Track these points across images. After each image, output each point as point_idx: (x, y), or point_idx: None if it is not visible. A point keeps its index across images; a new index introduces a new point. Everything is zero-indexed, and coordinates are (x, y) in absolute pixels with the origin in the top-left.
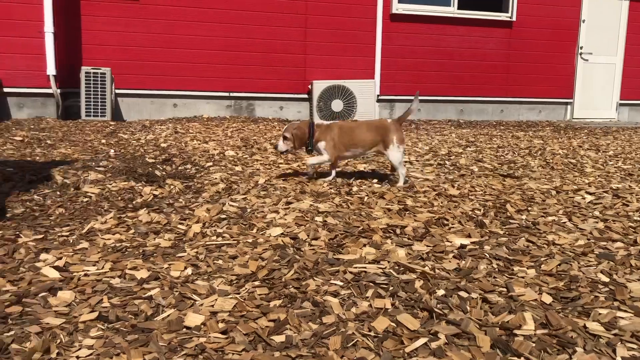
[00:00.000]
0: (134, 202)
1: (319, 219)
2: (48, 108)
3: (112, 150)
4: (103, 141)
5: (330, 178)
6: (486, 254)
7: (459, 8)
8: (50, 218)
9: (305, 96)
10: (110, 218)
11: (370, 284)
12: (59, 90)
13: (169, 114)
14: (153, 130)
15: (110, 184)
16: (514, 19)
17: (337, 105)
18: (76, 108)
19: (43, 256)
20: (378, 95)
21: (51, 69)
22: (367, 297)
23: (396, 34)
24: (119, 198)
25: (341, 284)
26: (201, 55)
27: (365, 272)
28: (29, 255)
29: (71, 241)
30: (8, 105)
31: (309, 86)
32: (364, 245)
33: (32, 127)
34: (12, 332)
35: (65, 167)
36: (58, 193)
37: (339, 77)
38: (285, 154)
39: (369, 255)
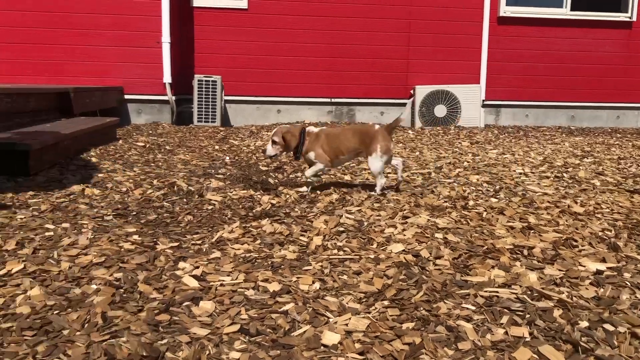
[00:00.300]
0: (254, 211)
1: (439, 235)
2: (163, 114)
3: (227, 157)
4: (217, 147)
5: (305, 189)
6: (627, 282)
7: (572, 9)
8: (180, 225)
9: (407, 101)
10: (237, 227)
11: (505, 310)
12: (173, 97)
13: (273, 119)
14: (260, 137)
15: (231, 192)
16: (634, 19)
17: (440, 110)
18: (188, 114)
19: (181, 264)
20: (483, 100)
21: (167, 77)
22: (502, 324)
23: (503, 37)
24: (240, 206)
25: (473, 308)
26: (304, 62)
27: (497, 296)
28: (168, 263)
29: (204, 250)
30: (128, 111)
31: (411, 91)
32: (492, 267)
33: (150, 132)
34: (165, 341)
35: (187, 174)
36: (184, 200)
37: (442, 82)
38: (273, 159)
39: (499, 279)
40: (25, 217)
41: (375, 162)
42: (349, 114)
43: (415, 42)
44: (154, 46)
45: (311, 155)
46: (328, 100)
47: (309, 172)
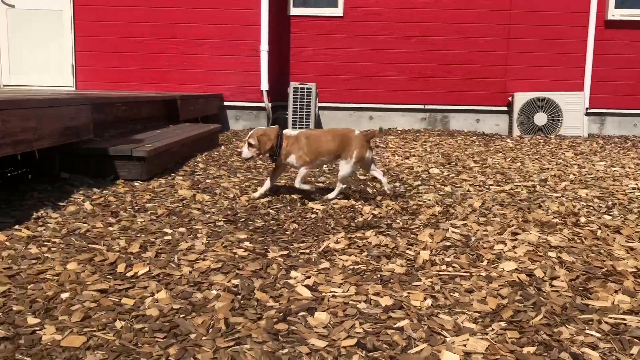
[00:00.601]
0: (356, 221)
1: (552, 254)
2: (260, 120)
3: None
4: None
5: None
6: None
7: None
8: (287, 233)
9: (504, 109)
10: (342, 238)
11: (635, 340)
12: (270, 104)
13: (365, 126)
14: None
15: (332, 201)
16: None
17: (540, 118)
18: (282, 120)
19: (293, 273)
20: (587, 108)
21: (264, 85)
22: (632, 355)
23: (611, 42)
24: (342, 216)
25: (598, 335)
26: (398, 69)
27: (624, 324)
28: (281, 271)
29: (313, 260)
30: (227, 117)
31: (509, 98)
32: (615, 291)
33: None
34: (285, 350)
35: (288, 181)
36: (288, 208)
37: (542, 88)
38: (249, 160)
39: (623, 304)
40: (144, 221)
41: (346, 167)
42: (442, 121)
43: (514, 48)
44: (252, 55)
45: (291, 159)
46: (421, 106)
47: (297, 181)
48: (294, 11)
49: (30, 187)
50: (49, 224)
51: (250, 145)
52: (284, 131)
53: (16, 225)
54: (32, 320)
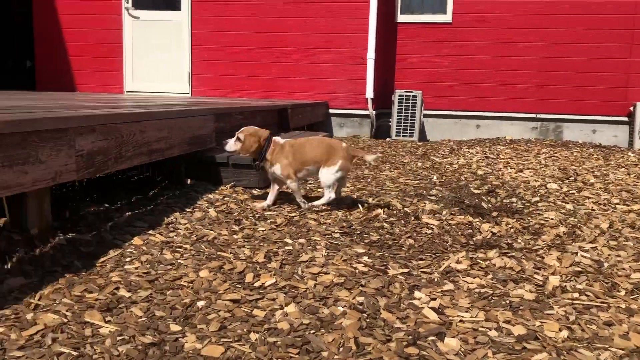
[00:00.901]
0: (474, 239)
1: None
2: (363, 127)
3: (435, 177)
4: (419, 164)
5: (266, 204)
6: None
7: None
8: (403, 249)
9: (624, 119)
10: (463, 258)
11: None
12: (374, 112)
13: (471, 134)
14: (463, 154)
15: (447, 216)
16: None
17: None
18: (385, 127)
19: (417, 294)
20: None
21: (369, 93)
22: None
23: None
24: (459, 233)
25: None
26: (507, 76)
27: None
28: (404, 290)
29: (435, 280)
30: (332, 125)
31: (630, 108)
32: None
33: (352, 146)
34: None
35: (399, 194)
36: (402, 222)
37: None
38: (230, 154)
39: None
40: (265, 230)
41: (328, 174)
42: (555, 131)
43: (638, 54)
44: (359, 62)
45: (276, 168)
46: (532, 115)
47: (297, 197)
48: (401, 18)
49: (159, 192)
50: (179, 230)
51: (238, 139)
52: (274, 138)
53: (150, 230)
54: (174, 327)
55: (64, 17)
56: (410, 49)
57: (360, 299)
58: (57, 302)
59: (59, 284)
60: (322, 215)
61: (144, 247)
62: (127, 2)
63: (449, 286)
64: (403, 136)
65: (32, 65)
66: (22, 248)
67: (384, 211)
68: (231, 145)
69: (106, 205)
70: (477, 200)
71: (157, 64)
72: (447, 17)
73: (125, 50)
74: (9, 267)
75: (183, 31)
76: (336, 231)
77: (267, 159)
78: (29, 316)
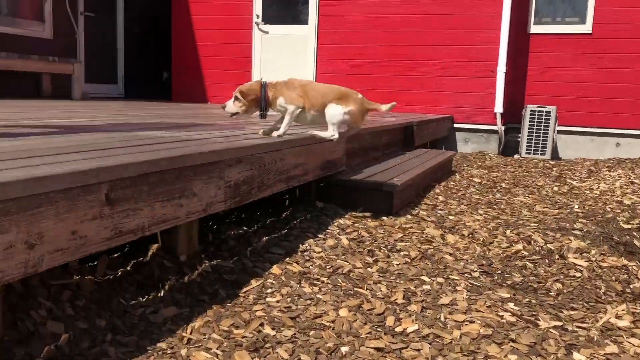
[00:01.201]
0: (631, 287)
1: None
2: (490, 143)
3: (576, 206)
4: (555, 189)
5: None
6: None
7: None
8: (550, 294)
9: None
10: (624, 312)
11: None
12: (502, 127)
13: (608, 153)
14: (603, 178)
15: (596, 256)
16: None
17: None
18: (513, 143)
19: (576, 356)
20: None
21: (498, 107)
22: None
23: None
24: (612, 278)
25: None
26: None
27: None
28: (560, 349)
29: (595, 339)
30: (456, 140)
31: None
32: None
33: (479, 164)
34: None
35: (539, 225)
36: (547, 261)
37: None
38: (235, 117)
39: None
40: (399, 264)
41: (336, 110)
42: None
43: None
44: (487, 76)
45: (281, 101)
46: None
47: (282, 128)
48: (535, 29)
49: (291, 215)
50: (314, 260)
51: (236, 98)
52: (267, 80)
53: (287, 258)
54: None
55: (198, 32)
56: (543, 62)
57: (513, 357)
58: (207, 336)
59: (207, 316)
60: (458, 250)
61: (283, 278)
62: (257, 18)
63: (612, 348)
64: (534, 154)
65: (168, 76)
66: (173, 275)
67: (524, 247)
68: (231, 106)
69: (244, 228)
70: (627, 236)
71: (284, 77)
72: (586, 28)
73: (254, 63)
74: (162, 294)
75: (309, 45)
76: (475, 269)
77: (268, 99)
78: (184, 352)
